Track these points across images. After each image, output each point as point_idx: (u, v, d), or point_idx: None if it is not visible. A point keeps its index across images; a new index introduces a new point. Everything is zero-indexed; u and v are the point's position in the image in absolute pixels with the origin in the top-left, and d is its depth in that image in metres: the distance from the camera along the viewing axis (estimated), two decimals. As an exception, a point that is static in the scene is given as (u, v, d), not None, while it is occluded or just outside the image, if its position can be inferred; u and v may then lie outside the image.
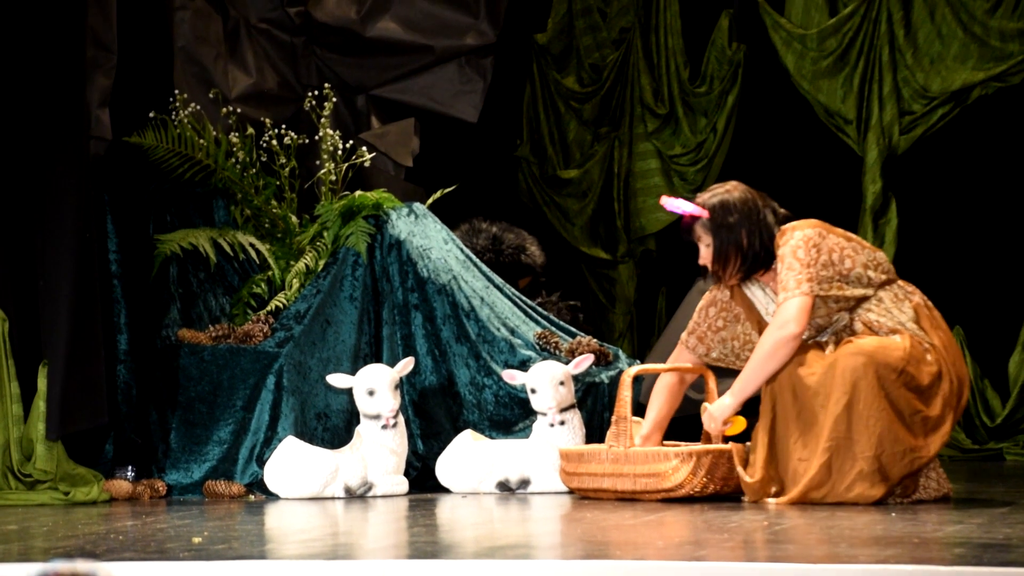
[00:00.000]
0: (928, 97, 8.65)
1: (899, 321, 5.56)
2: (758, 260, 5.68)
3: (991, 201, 8.58)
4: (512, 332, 6.80)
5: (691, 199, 5.76)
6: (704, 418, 5.81)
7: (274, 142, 7.04)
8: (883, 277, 5.62)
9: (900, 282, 5.66)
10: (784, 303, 5.54)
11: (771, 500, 5.53)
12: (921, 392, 5.48)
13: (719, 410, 5.74)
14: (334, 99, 7.21)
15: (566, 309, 7.86)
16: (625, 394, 5.86)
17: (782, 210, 5.78)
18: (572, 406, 6.38)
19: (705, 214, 5.70)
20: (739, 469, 5.64)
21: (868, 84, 8.79)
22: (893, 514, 5.16)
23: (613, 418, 5.91)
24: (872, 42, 8.78)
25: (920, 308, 5.61)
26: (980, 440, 8.41)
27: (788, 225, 5.67)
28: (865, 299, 5.60)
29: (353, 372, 6.45)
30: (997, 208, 8.57)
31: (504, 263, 7.58)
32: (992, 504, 5.50)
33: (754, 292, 5.82)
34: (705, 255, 5.74)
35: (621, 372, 6.74)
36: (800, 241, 5.56)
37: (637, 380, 6.76)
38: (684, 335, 6.01)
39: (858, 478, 5.40)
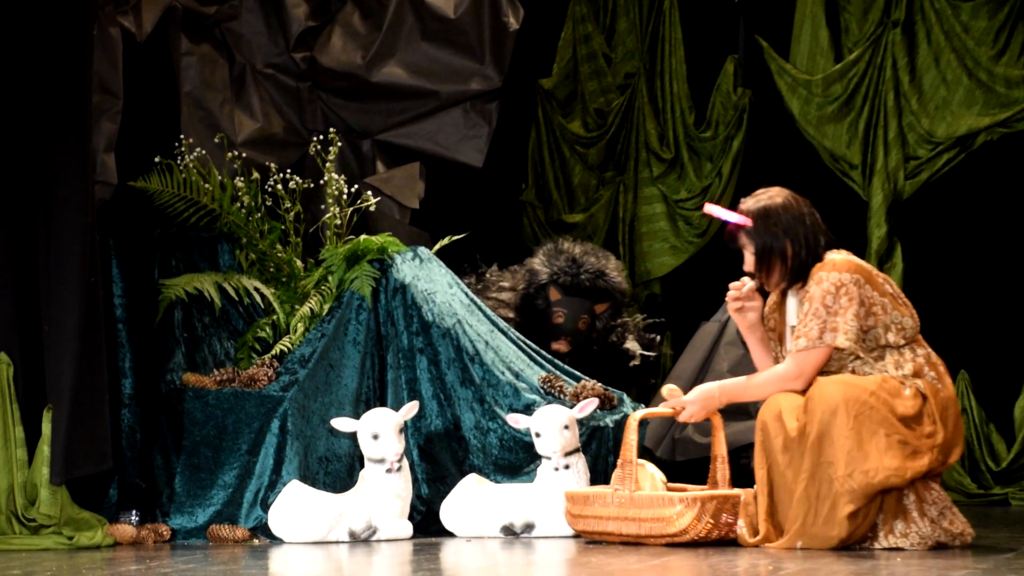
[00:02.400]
0: (933, 142, 8.66)
1: (886, 371, 5.52)
2: (804, 268, 5.60)
3: (996, 246, 8.58)
4: (517, 376, 6.80)
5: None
6: (668, 391, 5.82)
7: (279, 186, 7.05)
8: (900, 341, 5.53)
9: (915, 344, 5.57)
10: (801, 354, 5.48)
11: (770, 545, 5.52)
12: (899, 419, 5.40)
13: (703, 395, 5.71)
14: (339, 144, 7.23)
15: (643, 332, 7.79)
16: (631, 438, 5.85)
17: (824, 228, 5.70)
18: (577, 450, 6.37)
19: (749, 222, 5.65)
20: (741, 532, 5.61)
21: (873, 129, 8.80)
22: (899, 559, 5.14)
23: (619, 461, 5.90)
24: (877, 87, 8.79)
25: (921, 368, 5.52)
26: (985, 485, 8.38)
27: (829, 259, 5.57)
28: (870, 355, 5.54)
29: (355, 416, 6.45)
30: (1002, 253, 8.56)
31: (582, 287, 7.44)
32: (997, 550, 5.48)
33: (789, 303, 5.75)
34: (749, 262, 5.70)
35: (626, 416, 6.73)
36: (833, 286, 5.48)
37: (642, 424, 6.76)
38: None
39: (837, 497, 5.36)
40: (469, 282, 7.88)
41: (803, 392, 5.52)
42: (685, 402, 5.81)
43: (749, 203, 5.69)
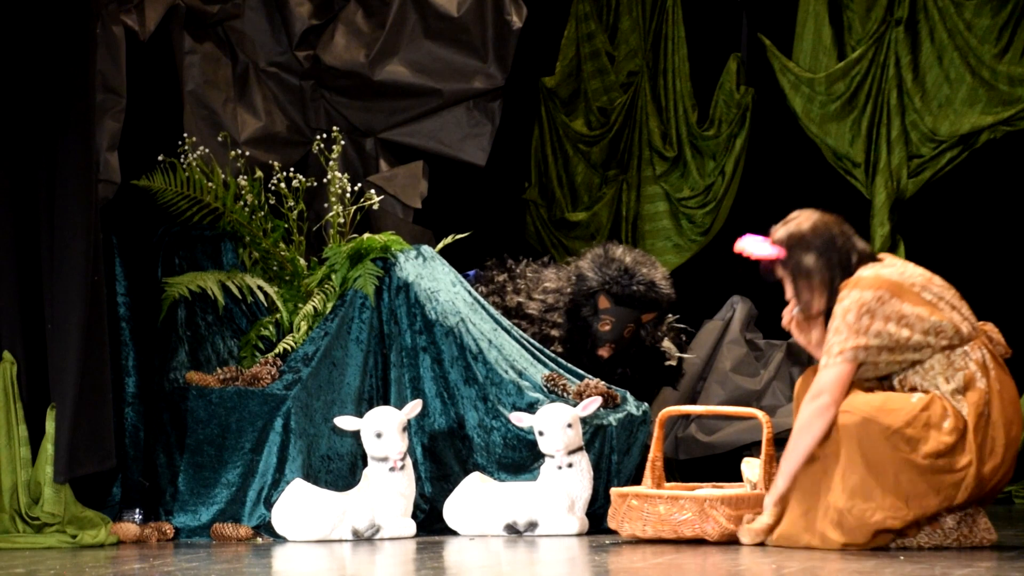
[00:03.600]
0: (936, 141, 8.66)
1: (937, 386, 5.39)
2: (837, 291, 5.49)
3: (1000, 244, 8.57)
4: (520, 374, 6.80)
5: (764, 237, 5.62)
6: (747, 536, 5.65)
7: (282, 185, 7.05)
8: (943, 343, 5.40)
9: (968, 347, 5.43)
10: (822, 371, 5.42)
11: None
12: (925, 456, 5.28)
13: (759, 527, 5.59)
14: (342, 142, 7.23)
15: (678, 332, 7.75)
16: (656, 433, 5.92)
17: (862, 243, 5.61)
18: (580, 448, 6.37)
19: (782, 253, 5.56)
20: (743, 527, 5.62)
21: (876, 127, 8.80)
22: (902, 557, 5.14)
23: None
24: (880, 86, 8.79)
25: (973, 377, 5.38)
26: (989, 483, 8.37)
27: (856, 277, 5.46)
28: (919, 363, 5.44)
29: (357, 415, 6.46)
30: (1006, 251, 8.56)
31: (634, 297, 7.34)
32: (1001, 548, 5.48)
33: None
34: (789, 292, 5.61)
35: (629, 414, 6.74)
36: (853, 304, 5.39)
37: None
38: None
39: (825, 524, 5.34)
40: (501, 279, 7.80)
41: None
42: (759, 535, 5.61)
43: (780, 232, 5.58)
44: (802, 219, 5.61)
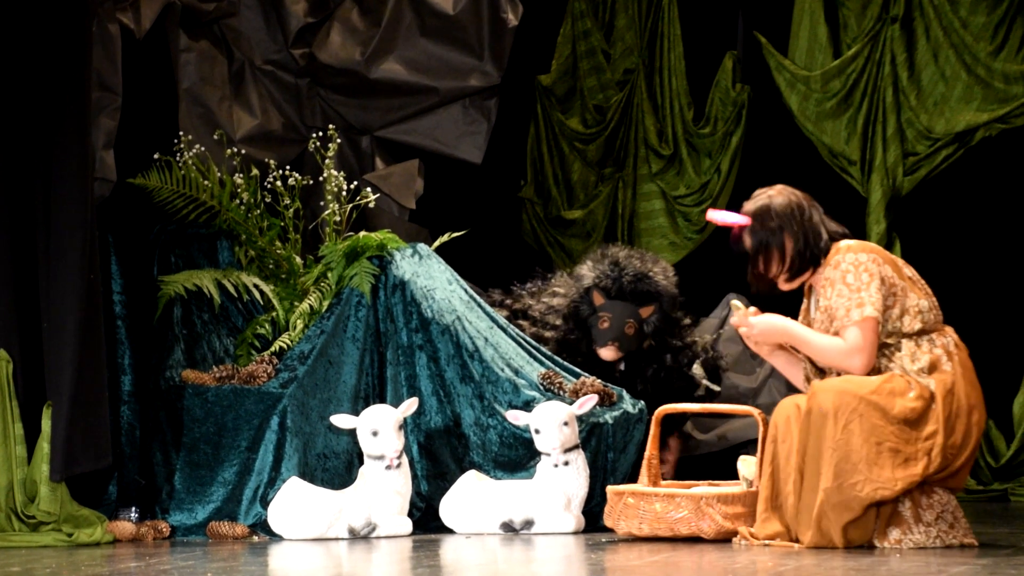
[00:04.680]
0: (932, 138, 8.66)
1: (903, 367, 5.49)
2: (804, 261, 5.59)
3: (995, 242, 8.57)
4: (516, 372, 6.80)
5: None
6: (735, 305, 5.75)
7: (278, 183, 7.05)
8: (917, 327, 5.48)
9: (935, 334, 5.51)
10: (846, 331, 5.45)
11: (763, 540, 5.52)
12: (895, 422, 5.35)
13: (769, 324, 5.64)
14: (338, 140, 7.23)
15: (711, 358, 7.69)
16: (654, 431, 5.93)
17: (833, 224, 5.69)
18: (576, 446, 6.38)
19: (748, 221, 5.65)
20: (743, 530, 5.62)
21: (872, 125, 8.80)
22: (898, 555, 5.15)
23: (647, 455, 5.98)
24: (876, 83, 8.79)
25: (939, 360, 5.47)
26: (984, 481, 8.38)
27: (843, 243, 5.57)
28: (885, 346, 5.52)
29: (353, 413, 6.46)
30: (1001, 249, 8.56)
31: (624, 290, 7.28)
32: (997, 546, 5.48)
33: (812, 304, 5.73)
34: (754, 265, 5.69)
35: (625, 412, 6.74)
36: (850, 266, 5.48)
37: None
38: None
39: (828, 510, 5.35)
40: (501, 300, 7.78)
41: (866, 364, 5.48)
42: (753, 324, 5.70)
43: (748, 204, 5.70)
44: (773, 192, 5.70)
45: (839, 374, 5.53)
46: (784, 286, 5.70)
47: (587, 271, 7.38)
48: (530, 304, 7.64)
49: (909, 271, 5.61)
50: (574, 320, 7.36)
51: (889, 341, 5.50)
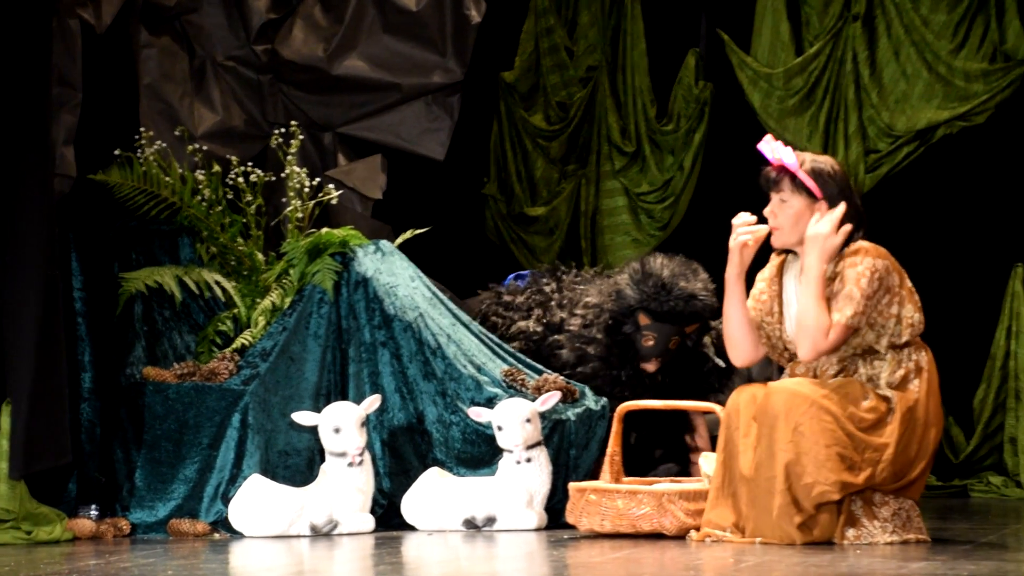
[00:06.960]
0: (893, 136, 8.69)
1: (873, 375, 5.49)
2: (849, 234, 5.59)
3: (955, 239, 8.61)
4: (479, 369, 6.80)
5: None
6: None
7: (240, 180, 7.03)
8: (905, 338, 5.52)
9: (913, 348, 5.54)
10: (834, 315, 5.48)
11: (721, 533, 5.52)
12: (846, 428, 5.37)
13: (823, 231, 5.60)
14: (301, 136, 7.21)
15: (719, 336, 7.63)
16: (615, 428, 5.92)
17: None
18: (539, 443, 6.38)
19: (799, 169, 5.63)
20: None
21: (834, 123, 8.83)
22: (858, 551, 5.17)
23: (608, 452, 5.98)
24: (838, 81, 8.82)
25: (909, 375, 5.50)
26: (944, 476, 8.42)
27: (863, 245, 5.59)
28: (873, 352, 5.54)
29: (315, 410, 6.45)
30: (961, 246, 8.60)
31: (673, 313, 7.16)
32: (956, 542, 5.51)
33: (787, 281, 5.73)
34: (776, 209, 5.68)
35: (587, 409, 6.74)
36: (867, 270, 5.51)
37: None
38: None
39: (781, 510, 5.37)
40: (548, 289, 7.67)
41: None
42: (827, 221, 5.62)
43: (807, 158, 5.69)
44: (828, 159, 5.72)
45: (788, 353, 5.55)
46: (777, 241, 5.70)
47: (630, 290, 7.16)
48: (563, 318, 7.48)
49: (909, 283, 5.64)
50: (616, 335, 7.20)
51: (878, 348, 5.52)
